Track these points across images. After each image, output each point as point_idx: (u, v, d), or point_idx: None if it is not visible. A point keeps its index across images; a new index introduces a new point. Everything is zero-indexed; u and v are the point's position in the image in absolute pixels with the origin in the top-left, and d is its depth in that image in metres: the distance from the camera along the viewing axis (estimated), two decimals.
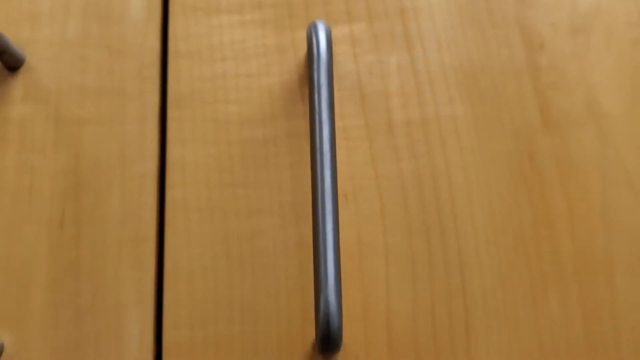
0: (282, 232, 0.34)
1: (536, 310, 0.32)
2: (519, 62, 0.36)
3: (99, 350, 0.32)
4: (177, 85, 0.37)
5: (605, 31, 0.37)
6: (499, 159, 0.35)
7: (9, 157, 0.36)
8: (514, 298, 0.32)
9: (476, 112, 0.35)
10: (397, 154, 0.35)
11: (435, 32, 0.37)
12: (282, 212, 0.34)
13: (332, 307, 0.28)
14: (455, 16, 0.37)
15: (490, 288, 0.32)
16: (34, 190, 0.35)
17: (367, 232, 0.34)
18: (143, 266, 0.33)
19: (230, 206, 0.34)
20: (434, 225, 0.33)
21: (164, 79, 0.38)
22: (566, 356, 0.31)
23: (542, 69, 0.36)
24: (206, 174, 0.35)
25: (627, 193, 0.34)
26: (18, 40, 0.38)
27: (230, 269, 0.33)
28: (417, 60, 0.37)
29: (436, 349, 0.32)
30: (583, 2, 0.37)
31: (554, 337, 0.32)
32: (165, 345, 0.32)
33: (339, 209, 0.34)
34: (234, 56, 0.37)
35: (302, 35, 0.37)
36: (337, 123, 0.36)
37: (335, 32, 0.37)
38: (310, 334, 0.32)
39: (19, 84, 0.37)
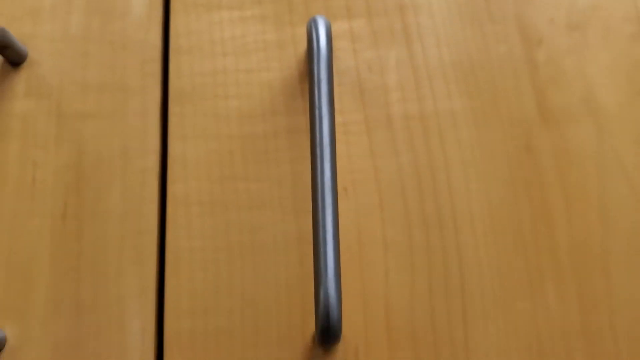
0: (282, 226, 0.34)
1: (533, 303, 0.32)
2: (517, 57, 0.37)
3: (101, 342, 0.32)
4: (178, 81, 0.37)
5: (602, 27, 0.37)
6: (497, 153, 0.35)
7: (12, 151, 0.36)
8: (512, 290, 0.32)
9: (474, 106, 0.36)
10: (396, 148, 0.35)
11: (434, 28, 0.37)
12: (282, 206, 0.34)
13: (332, 299, 0.28)
14: (454, 12, 0.38)
15: (488, 280, 0.33)
16: (36, 184, 0.35)
17: (366, 225, 0.34)
18: (144, 259, 0.34)
19: (231, 200, 0.34)
20: (433, 218, 0.34)
21: (165, 75, 0.38)
22: (563, 348, 0.32)
23: (539, 64, 0.36)
24: (207, 168, 0.35)
25: (624, 186, 0.34)
26: (21, 35, 0.38)
27: (230, 262, 0.33)
28: (416, 56, 0.37)
29: (435, 339, 0.32)
30: None
31: (551, 329, 0.32)
32: (166, 337, 0.32)
33: (339, 202, 0.34)
34: (235, 52, 0.37)
35: (302, 31, 0.38)
36: (337, 118, 0.36)
37: (334, 28, 0.38)
38: (310, 326, 0.32)
39: (21, 79, 0.37)
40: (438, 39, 0.37)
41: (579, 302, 0.32)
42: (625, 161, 0.34)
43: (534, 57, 0.36)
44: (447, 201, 0.34)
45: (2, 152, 0.36)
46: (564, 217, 0.33)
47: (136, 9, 0.38)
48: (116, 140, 0.36)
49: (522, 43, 0.37)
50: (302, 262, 0.33)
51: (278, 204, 0.34)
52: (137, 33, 0.38)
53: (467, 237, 0.33)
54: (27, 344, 0.33)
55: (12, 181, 0.35)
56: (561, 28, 0.37)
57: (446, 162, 0.35)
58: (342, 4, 0.38)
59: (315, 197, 0.30)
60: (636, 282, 0.32)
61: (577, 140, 0.35)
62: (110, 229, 0.34)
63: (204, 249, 0.34)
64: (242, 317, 0.32)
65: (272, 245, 0.34)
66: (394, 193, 0.34)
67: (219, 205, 0.34)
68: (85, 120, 0.36)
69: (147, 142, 0.36)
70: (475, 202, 0.34)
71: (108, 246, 0.34)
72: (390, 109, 0.36)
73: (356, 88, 0.36)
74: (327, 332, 0.28)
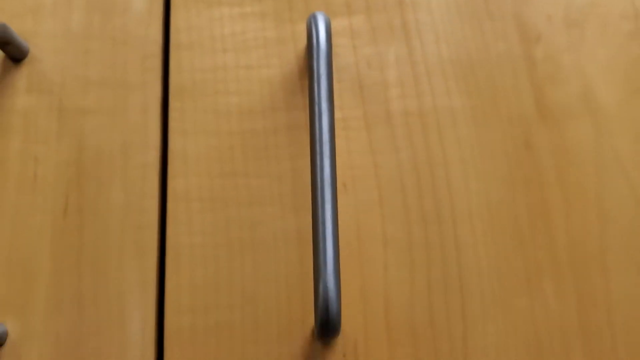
0: (282, 221, 0.34)
1: (532, 299, 0.32)
2: (515, 54, 0.37)
3: (102, 336, 0.32)
4: (179, 77, 0.37)
5: (600, 24, 0.37)
6: (496, 150, 0.35)
7: (13, 147, 0.36)
8: (510, 287, 0.33)
9: (473, 103, 0.36)
10: (395, 144, 0.35)
11: (433, 25, 0.38)
12: (282, 202, 0.34)
13: (331, 293, 0.28)
14: (453, 9, 0.38)
15: (487, 276, 0.33)
16: (37, 180, 0.35)
17: (365, 221, 0.34)
18: (145, 254, 0.34)
19: (231, 196, 0.35)
20: (432, 214, 0.34)
21: (165, 71, 0.38)
22: (561, 344, 0.32)
23: (538, 61, 0.37)
24: (207, 164, 0.35)
25: (621, 183, 0.34)
26: (22, 31, 0.38)
27: (231, 257, 0.34)
28: (415, 53, 0.37)
29: (433, 334, 0.32)
30: None
31: (550, 326, 0.32)
32: (166, 332, 0.32)
33: (338, 198, 0.34)
34: (235, 48, 0.37)
35: (302, 28, 0.38)
36: (337, 114, 0.36)
37: (334, 25, 0.38)
38: (309, 320, 0.32)
39: (22, 75, 0.38)
40: (437, 35, 0.37)
41: (577, 299, 0.32)
42: (623, 158, 0.34)
43: (532, 54, 0.37)
44: (446, 197, 0.34)
45: (3, 148, 0.36)
46: (562, 214, 0.34)
47: (137, 4, 0.39)
48: (117, 136, 0.36)
49: (520, 40, 0.37)
50: (301, 258, 0.33)
51: (278, 200, 0.34)
52: (138, 29, 0.38)
53: (466, 233, 0.33)
54: (28, 338, 0.33)
55: (13, 177, 0.36)
56: (559, 25, 0.37)
57: (445, 158, 0.35)
58: (341, 1, 0.38)
59: (315, 193, 0.30)
60: (634, 280, 0.32)
61: (576, 138, 0.35)
62: (111, 224, 0.34)
63: (204, 244, 0.34)
64: (242, 312, 0.33)
65: (272, 241, 0.34)
66: (393, 189, 0.34)
67: (219, 201, 0.34)
68: (86, 115, 0.36)
69: (147, 137, 0.36)
70: (474, 198, 0.34)
71: (109, 241, 0.34)
72: (389, 105, 0.36)
73: (356, 84, 0.37)
74: (327, 325, 0.28)
